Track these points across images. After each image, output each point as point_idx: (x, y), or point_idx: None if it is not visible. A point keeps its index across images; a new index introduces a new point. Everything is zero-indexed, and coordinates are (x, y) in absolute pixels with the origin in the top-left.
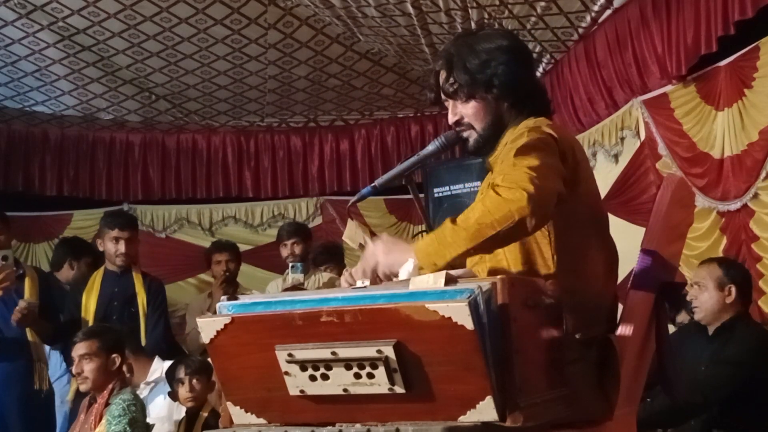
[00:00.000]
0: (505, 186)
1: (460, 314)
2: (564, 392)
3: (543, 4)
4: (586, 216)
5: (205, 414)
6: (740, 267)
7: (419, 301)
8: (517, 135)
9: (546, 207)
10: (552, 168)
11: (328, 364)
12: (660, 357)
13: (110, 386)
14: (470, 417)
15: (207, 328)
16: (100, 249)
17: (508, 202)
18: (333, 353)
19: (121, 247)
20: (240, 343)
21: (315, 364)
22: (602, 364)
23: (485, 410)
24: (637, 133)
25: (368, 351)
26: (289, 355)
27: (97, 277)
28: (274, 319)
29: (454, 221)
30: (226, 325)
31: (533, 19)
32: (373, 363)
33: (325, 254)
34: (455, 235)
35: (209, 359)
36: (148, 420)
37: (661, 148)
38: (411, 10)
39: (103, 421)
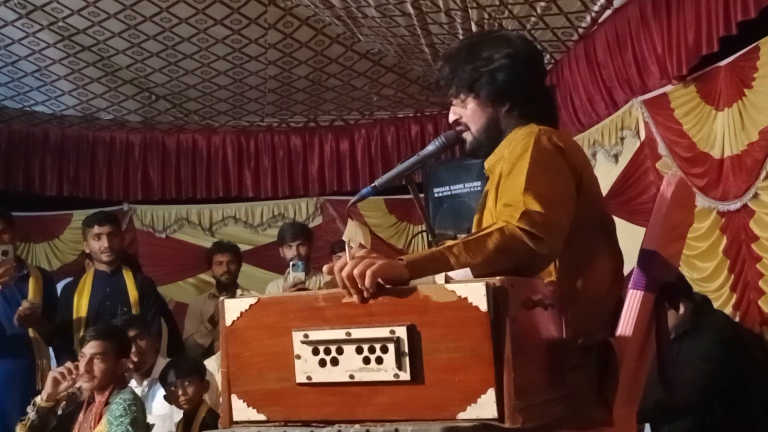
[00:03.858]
0: (524, 226)
1: (476, 294)
2: (564, 393)
3: (543, 4)
4: (591, 222)
5: (203, 414)
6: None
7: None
8: (521, 143)
9: (555, 254)
10: (564, 198)
11: (340, 347)
12: (660, 357)
13: (110, 386)
14: (470, 413)
15: (232, 308)
16: (87, 251)
17: (529, 241)
18: (347, 333)
19: (104, 242)
20: (259, 326)
21: (327, 346)
22: (602, 369)
23: (486, 405)
24: (637, 133)
25: (382, 331)
26: (305, 335)
27: (87, 278)
28: (298, 299)
29: (464, 241)
30: (251, 305)
31: (533, 19)
32: (384, 346)
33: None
34: (468, 254)
35: (201, 359)
36: (150, 418)
37: (661, 148)
38: (411, 10)
39: (103, 420)
